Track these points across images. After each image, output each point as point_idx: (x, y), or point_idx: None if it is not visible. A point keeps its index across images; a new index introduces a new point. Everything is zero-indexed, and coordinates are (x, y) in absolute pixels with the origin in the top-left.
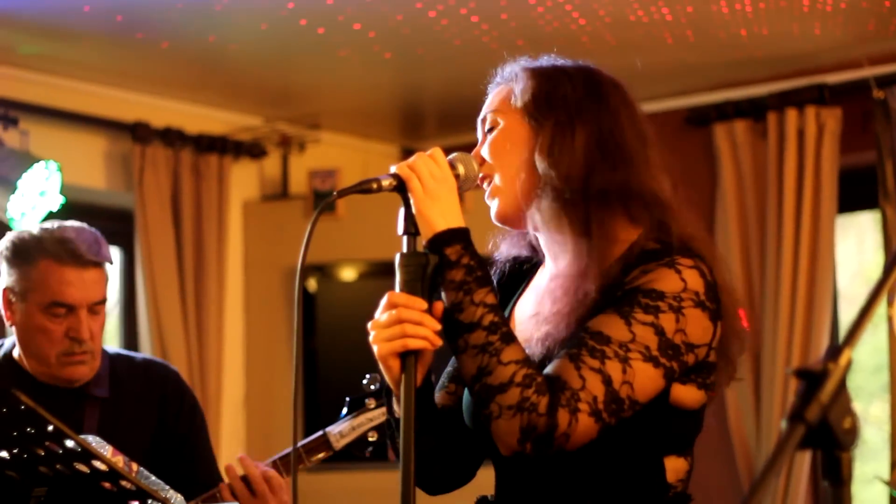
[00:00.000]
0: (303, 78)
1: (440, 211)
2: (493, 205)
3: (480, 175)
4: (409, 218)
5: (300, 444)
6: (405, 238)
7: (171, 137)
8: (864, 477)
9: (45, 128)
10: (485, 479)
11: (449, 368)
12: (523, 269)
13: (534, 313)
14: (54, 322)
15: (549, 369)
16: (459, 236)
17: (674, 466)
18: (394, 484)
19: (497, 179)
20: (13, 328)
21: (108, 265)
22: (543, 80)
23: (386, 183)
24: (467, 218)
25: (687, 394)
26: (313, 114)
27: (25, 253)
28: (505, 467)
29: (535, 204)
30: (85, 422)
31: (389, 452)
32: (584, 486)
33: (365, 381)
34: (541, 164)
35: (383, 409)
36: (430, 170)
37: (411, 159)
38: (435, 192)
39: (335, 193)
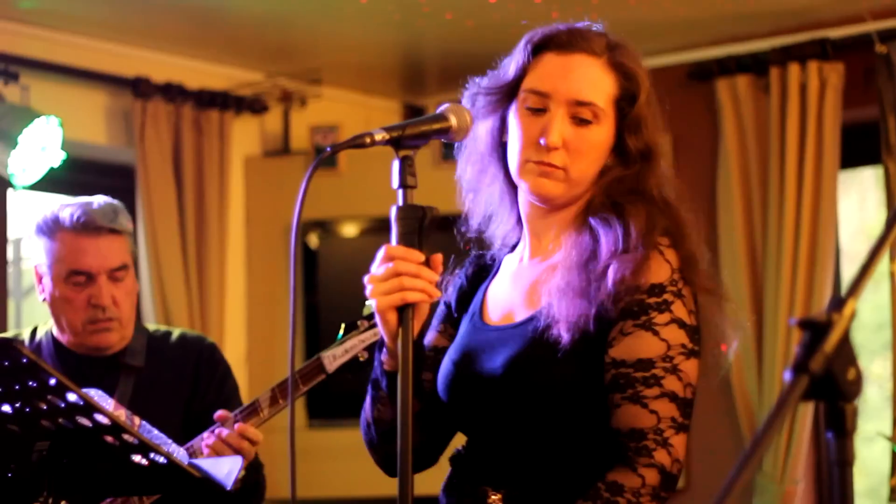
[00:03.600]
0: (304, 33)
1: None
2: (551, 187)
3: (549, 161)
4: (404, 170)
5: (297, 371)
6: (400, 191)
7: (172, 93)
8: (865, 434)
9: (46, 83)
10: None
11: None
12: (484, 262)
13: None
14: (75, 291)
15: (618, 423)
16: None
17: None
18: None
19: (570, 173)
20: (45, 304)
21: (127, 234)
22: (651, 103)
23: (379, 137)
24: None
25: None
26: (315, 69)
27: (47, 229)
28: (480, 440)
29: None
30: (118, 389)
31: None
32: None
33: (364, 308)
34: (625, 181)
35: (374, 330)
36: None
37: None
38: None
39: (328, 149)
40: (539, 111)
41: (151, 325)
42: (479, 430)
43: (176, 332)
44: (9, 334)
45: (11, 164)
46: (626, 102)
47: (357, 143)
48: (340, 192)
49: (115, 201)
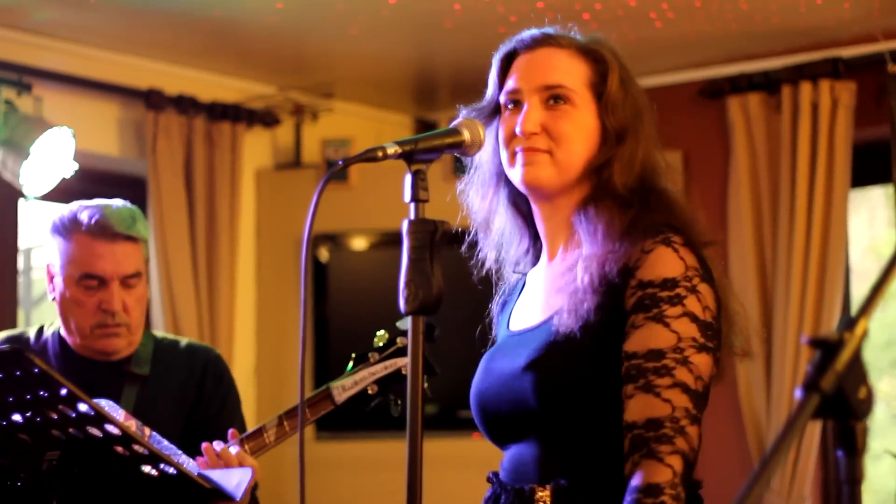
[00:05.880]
0: (317, 47)
1: None
2: (538, 172)
3: (524, 146)
4: (416, 184)
5: (305, 398)
6: (412, 205)
7: (185, 105)
8: (873, 452)
9: (59, 94)
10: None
11: None
12: (515, 284)
13: (556, 288)
14: (87, 294)
15: (633, 415)
16: None
17: None
18: (403, 453)
19: (555, 156)
20: (55, 303)
21: (143, 241)
22: (627, 87)
23: (391, 150)
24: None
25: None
26: (327, 83)
27: (64, 229)
28: (512, 443)
29: (587, 196)
30: (122, 398)
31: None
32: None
33: (375, 338)
34: (602, 169)
35: (385, 364)
36: None
37: None
38: None
39: (340, 163)
40: (515, 108)
41: (160, 333)
42: (508, 432)
43: (184, 342)
44: (15, 332)
45: (23, 175)
46: (602, 86)
47: (369, 156)
48: (351, 206)
49: (134, 206)
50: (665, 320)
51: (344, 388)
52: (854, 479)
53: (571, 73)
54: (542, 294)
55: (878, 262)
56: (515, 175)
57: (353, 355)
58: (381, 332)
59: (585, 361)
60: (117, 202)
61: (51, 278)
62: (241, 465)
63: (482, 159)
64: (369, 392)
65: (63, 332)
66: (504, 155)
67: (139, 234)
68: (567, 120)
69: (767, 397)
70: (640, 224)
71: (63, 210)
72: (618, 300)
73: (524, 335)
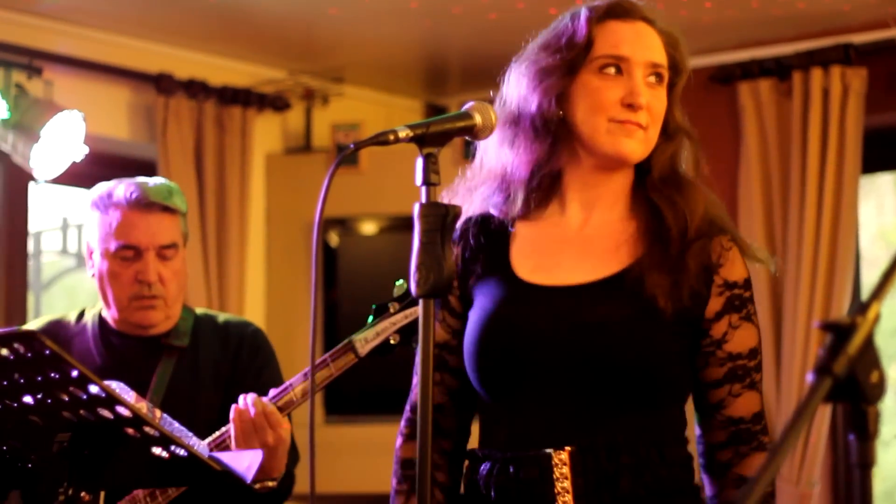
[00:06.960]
0: (327, 31)
1: None
2: (634, 146)
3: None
4: (428, 168)
5: (327, 354)
6: (424, 188)
7: (195, 89)
8: (882, 439)
9: (69, 78)
10: None
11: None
12: (494, 226)
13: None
14: (123, 266)
15: (741, 411)
16: None
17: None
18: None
19: (649, 133)
20: (94, 280)
21: (180, 214)
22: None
23: (402, 134)
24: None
25: None
26: (337, 67)
27: (101, 203)
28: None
29: (658, 178)
30: (159, 370)
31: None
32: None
33: (395, 289)
34: (671, 157)
35: (405, 313)
36: None
37: None
38: None
39: (351, 146)
40: (618, 75)
41: (200, 309)
42: (539, 386)
43: (222, 317)
44: (56, 316)
45: (34, 158)
46: (673, 72)
47: (381, 140)
48: (361, 190)
49: (172, 183)
50: (753, 319)
51: (366, 340)
52: (865, 463)
53: (664, 55)
54: (580, 252)
55: (887, 250)
56: (610, 143)
57: (374, 307)
58: (399, 282)
59: (668, 336)
60: (156, 179)
61: (90, 254)
62: (275, 427)
63: (524, 110)
64: (392, 342)
65: (104, 312)
66: (593, 120)
67: (175, 205)
68: (661, 101)
69: (777, 383)
70: (708, 218)
71: (102, 187)
72: (700, 289)
73: (586, 289)
